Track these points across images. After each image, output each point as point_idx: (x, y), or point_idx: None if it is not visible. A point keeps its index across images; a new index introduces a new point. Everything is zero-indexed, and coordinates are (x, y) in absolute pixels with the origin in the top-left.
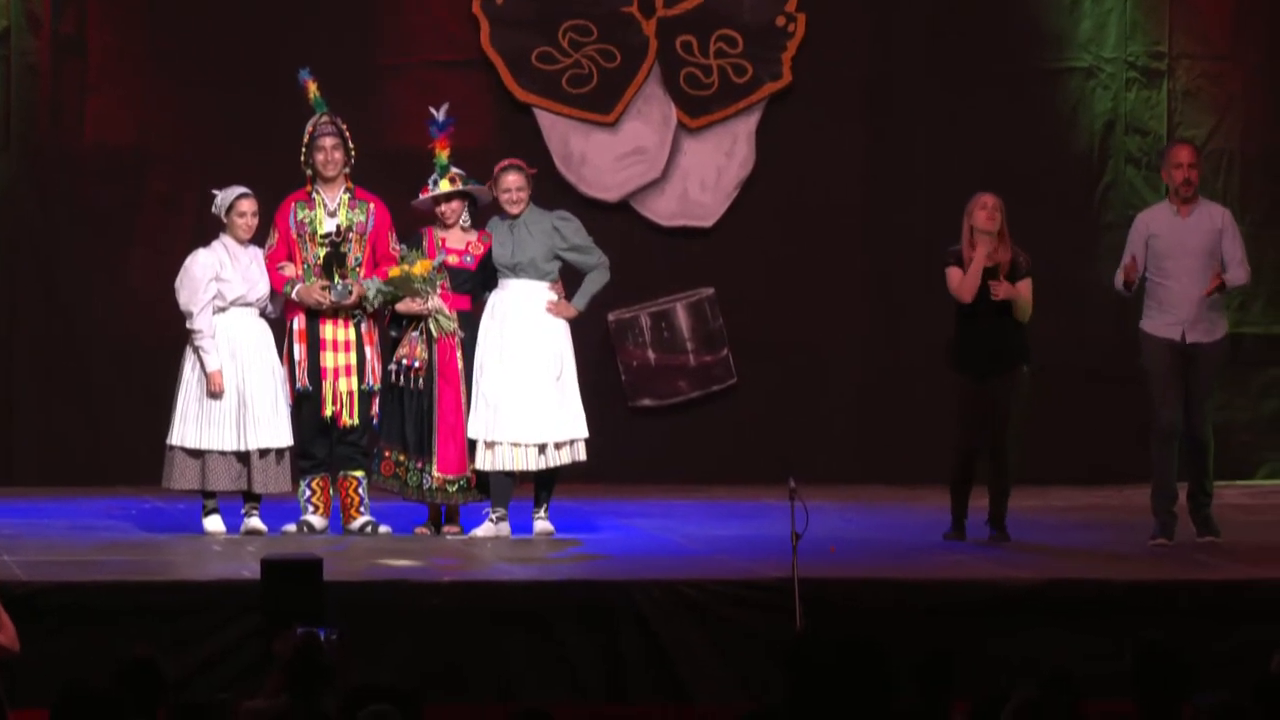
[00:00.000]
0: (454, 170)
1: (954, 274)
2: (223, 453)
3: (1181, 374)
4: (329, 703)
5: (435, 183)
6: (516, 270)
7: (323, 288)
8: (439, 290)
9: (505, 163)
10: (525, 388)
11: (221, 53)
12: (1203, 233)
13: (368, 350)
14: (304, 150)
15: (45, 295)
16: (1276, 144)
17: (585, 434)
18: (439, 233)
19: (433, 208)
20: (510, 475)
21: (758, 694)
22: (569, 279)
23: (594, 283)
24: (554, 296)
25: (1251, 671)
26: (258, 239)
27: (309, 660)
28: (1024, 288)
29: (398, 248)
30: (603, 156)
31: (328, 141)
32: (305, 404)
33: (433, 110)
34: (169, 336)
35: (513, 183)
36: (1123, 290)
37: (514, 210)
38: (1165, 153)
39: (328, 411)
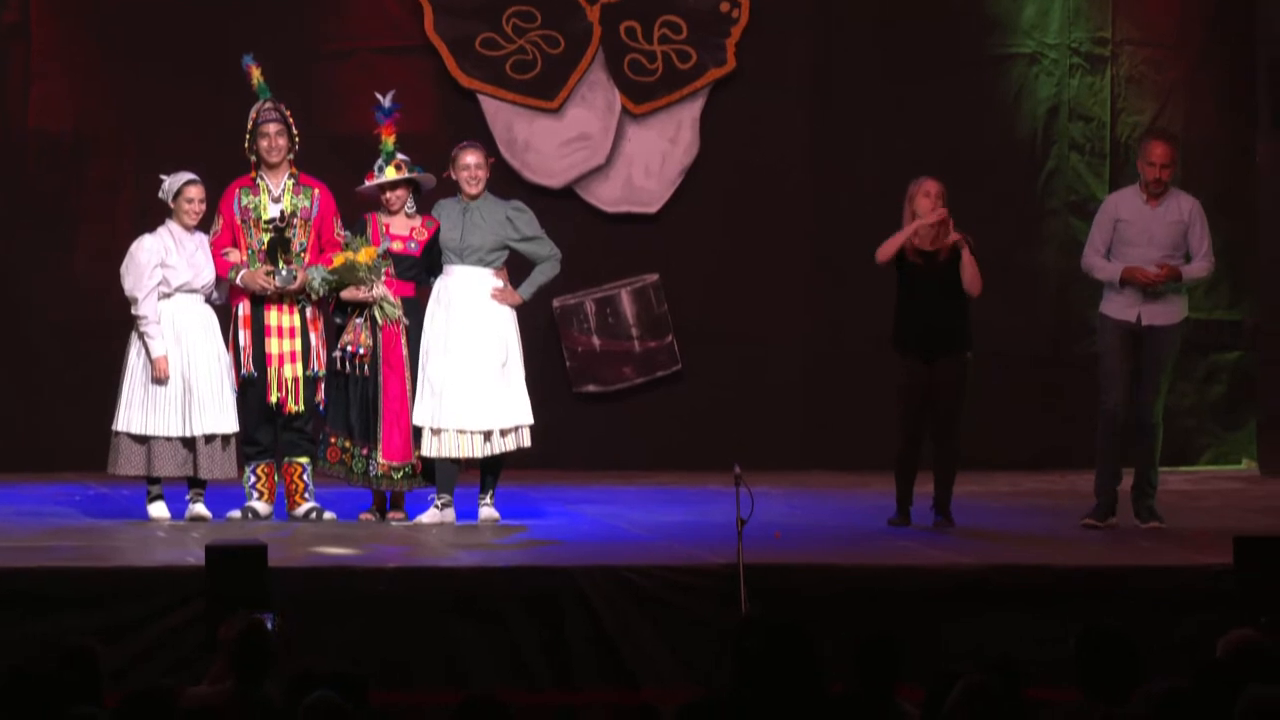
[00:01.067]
0: (399, 157)
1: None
2: (168, 438)
3: (1134, 356)
4: (272, 688)
5: (381, 169)
6: (463, 255)
7: (267, 273)
8: (384, 277)
9: (465, 143)
10: (471, 374)
11: (166, 39)
12: (1169, 224)
13: (313, 336)
14: (248, 136)
15: None
16: (1218, 130)
17: (531, 420)
18: (383, 219)
19: (378, 194)
20: (456, 462)
21: (703, 680)
22: (516, 266)
23: (543, 274)
24: (499, 283)
25: (1196, 657)
26: (202, 225)
27: (253, 645)
28: (970, 264)
29: (342, 233)
30: (547, 143)
31: (271, 128)
32: (250, 390)
33: (378, 96)
34: (113, 322)
35: (472, 160)
36: (1102, 262)
37: (471, 190)
38: (1141, 142)
39: (273, 398)
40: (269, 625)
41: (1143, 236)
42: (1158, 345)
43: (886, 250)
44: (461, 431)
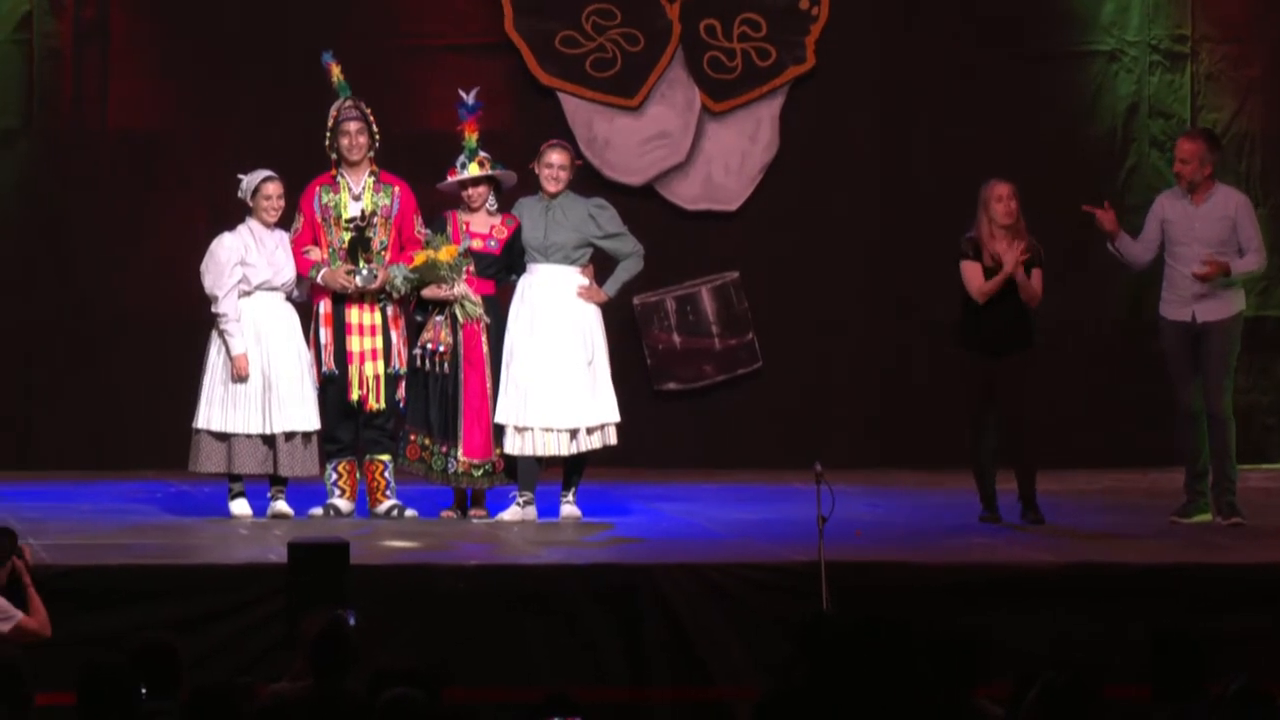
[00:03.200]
0: (481, 154)
1: (971, 271)
2: (248, 436)
3: (1195, 355)
4: (352, 684)
5: (463, 166)
6: (548, 253)
7: (348, 272)
8: (464, 276)
9: (555, 141)
10: (557, 373)
11: (244, 36)
12: (1213, 220)
13: (393, 334)
14: (328, 134)
15: (67, 279)
16: None
17: (617, 418)
18: (463, 216)
19: (458, 190)
20: (538, 459)
21: (781, 679)
22: (601, 264)
23: (627, 270)
24: (585, 281)
25: (1275, 655)
26: (283, 223)
27: (333, 642)
28: (1036, 277)
29: (423, 231)
30: (627, 141)
31: (352, 126)
32: (331, 388)
33: (462, 93)
34: (193, 319)
35: (556, 159)
36: (1131, 249)
37: (550, 188)
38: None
39: (354, 395)
40: (350, 622)
41: (1189, 234)
42: (1214, 341)
43: (985, 293)
44: (548, 429)
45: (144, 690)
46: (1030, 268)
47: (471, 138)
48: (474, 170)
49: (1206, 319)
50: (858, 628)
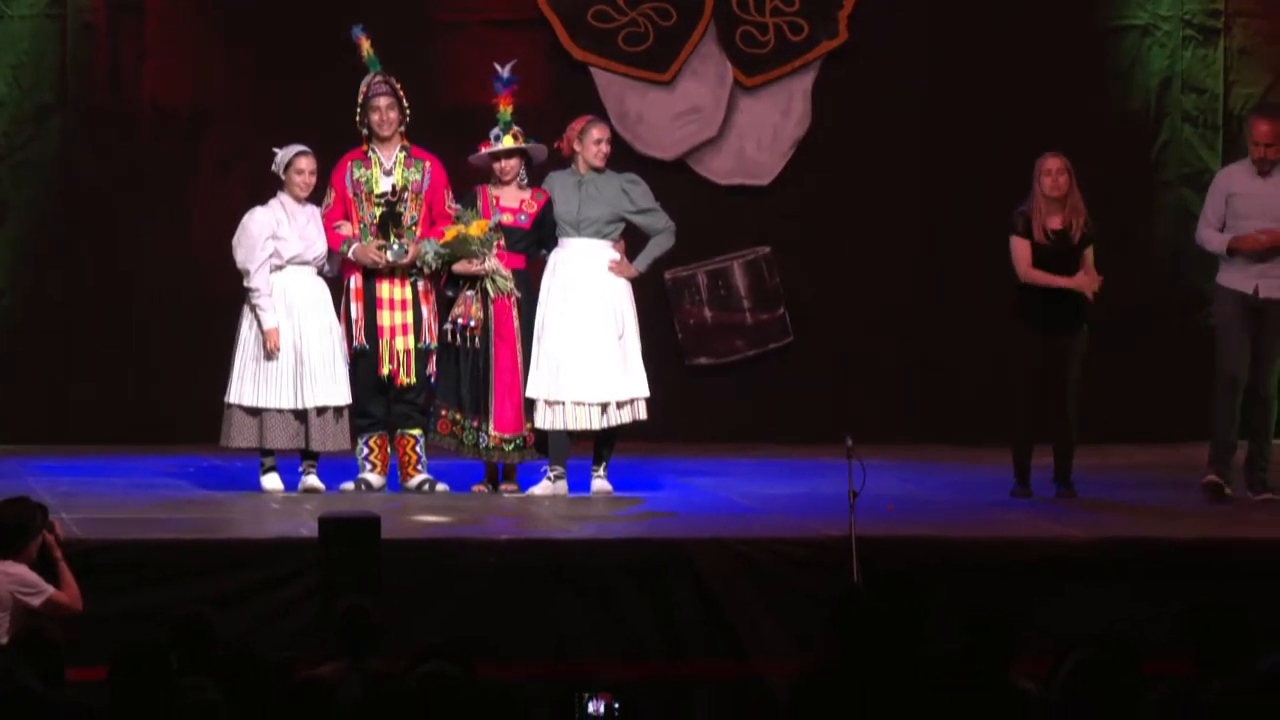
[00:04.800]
0: (515, 127)
1: (1019, 248)
2: (280, 410)
3: (1251, 328)
4: (384, 664)
5: (498, 138)
6: (580, 228)
7: (379, 247)
8: (495, 250)
9: (592, 117)
10: (588, 347)
11: (277, 11)
12: None
13: (424, 309)
14: (359, 110)
15: (102, 254)
16: None
17: (647, 393)
18: (493, 190)
19: (489, 163)
20: (569, 434)
21: (813, 653)
22: (632, 239)
23: (658, 246)
24: (616, 256)
25: None
26: (315, 197)
27: (357, 625)
28: (1087, 256)
29: (453, 206)
30: (659, 115)
31: (382, 101)
32: (362, 362)
33: (497, 66)
34: (226, 294)
35: (603, 134)
36: (1214, 235)
37: (599, 164)
38: (1249, 119)
39: (384, 370)
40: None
41: (1257, 209)
42: (1275, 318)
43: (1033, 278)
44: (579, 404)
45: (177, 664)
46: (1083, 246)
47: (506, 111)
48: (509, 142)
49: (1270, 295)
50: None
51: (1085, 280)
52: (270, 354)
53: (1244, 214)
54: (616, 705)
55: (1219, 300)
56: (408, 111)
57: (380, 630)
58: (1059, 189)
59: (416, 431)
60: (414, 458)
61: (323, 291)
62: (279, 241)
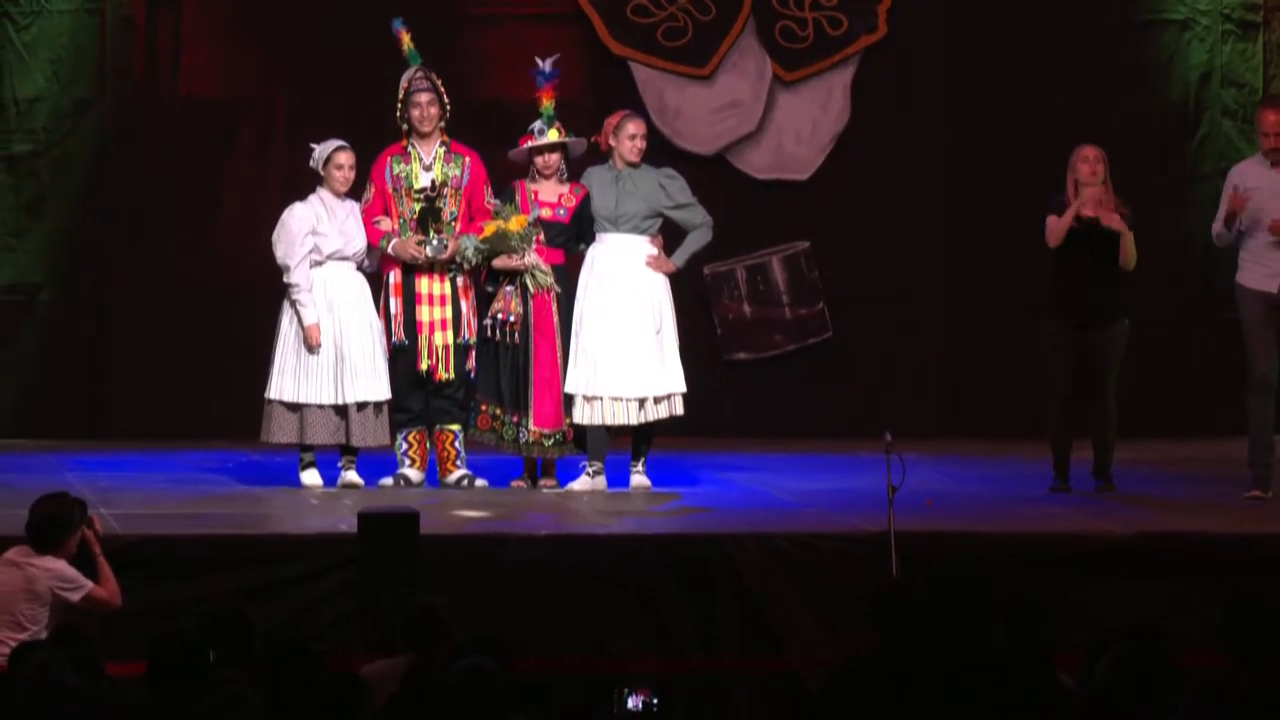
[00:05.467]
0: (558, 121)
1: (1051, 223)
2: (320, 406)
3: (1276, 326)
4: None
5: (541, 131)
6: (618, 223)
7: (418, 243)
8: (534, 245)
9: (628, 111)
10: (626, 342)
11: (314, 4)
12: None
13: (463, 304)
14: (399, 105)
15: (140, 248)
16: None
17: (684, 388)
18: (531, 185)
19: (528, 158)
20: (608, 429)
21: (853, 648)
22: (669, 234)
23: (696, 241)
24: (654, 251)
25: None
26: (354, 193)
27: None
28: (1128, 241)
29: (492, 202)
30: (698, 110)
31: (423, 97)
32: (401, 358)
33: (539, 60)
34: (265, 289)
35: (639, 129)
36: (1223, 230)
37: (634, 158)
38: (1257, 112)
39: (424, 365)
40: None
41: (1272, 202)
42: None
43: (1057, 231)
44: (616, 399)
45: (215, 658)
46: (1119, 235)
47: (550, 105)
48: (553, 135)
49: None
50: (930, 594)
51: (1085, 205)
52: (311, 349)
53: (1260, 207)
54: (655, 701)
55: (1241, 300)
56: (448, 107)
57: (449, 628)
58: (1095, 176)
59: (456, 427)
60: (453, 453)
61: (363, 287)
62: (319, 237)
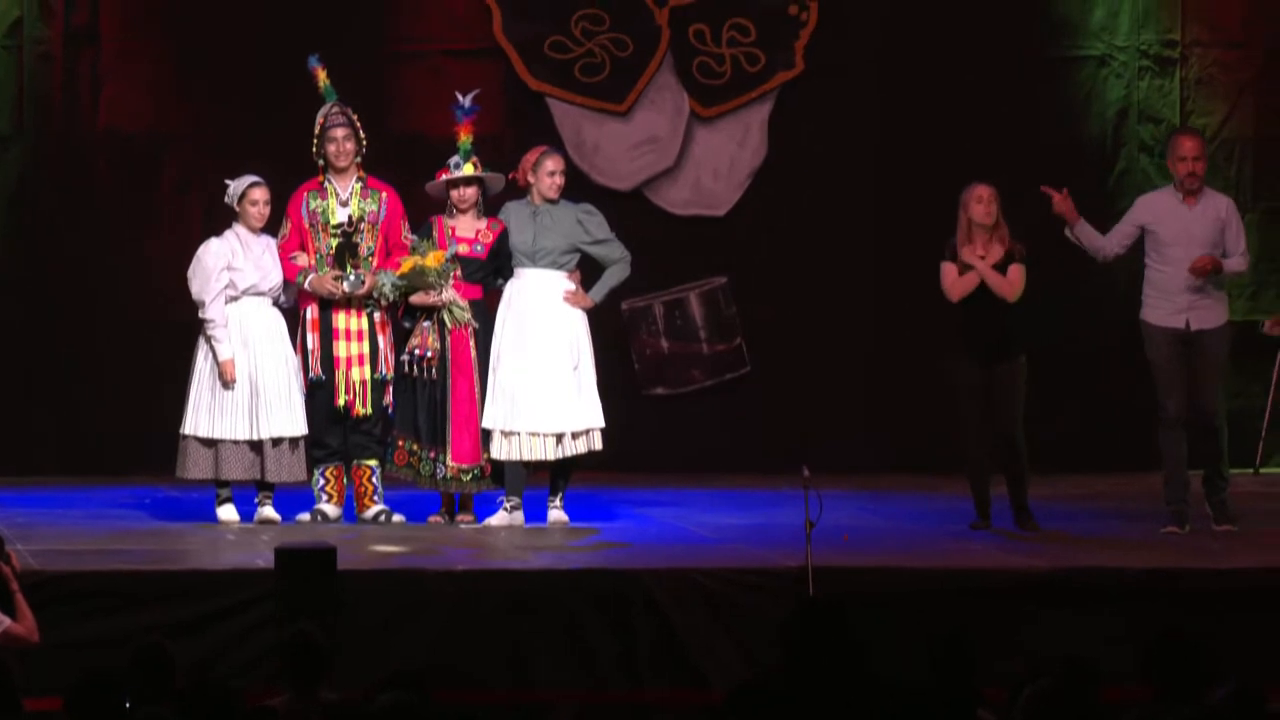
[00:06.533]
0: (474, 156)
1: (949, 271)
2: (235, 442)
3: (1186, 362)
4: (333, 693)
5: (458, 165)
6: (535, 258)
7: (335, 278)
8: (452, 281)
9: (547, 148)
10: (543, 378)
11: (233, 40)
12: (1207, 221)
13: (380, 340)
14: (315, 140)
15: (60, 283)
16: None
17: (602, 424)
18: (448, 221)
19: (445, 192)
20: (525, 464)
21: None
22: (587, 270)
23: (614, 276)
24: (572, 286)
25: (1268, 658)
26: (270, 228)
27: (301, 653)
28: (1013, 272)
29: (410, 237)
30: (615, 146)
31: (339, 133)
32: (319, 393)
33: (459, 95)
34: (184, 324)
35: (557, 165)
36: (1102, 245)
37: (553, 195)
38: (1169, 141)
39: (341, 401)
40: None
41: (1182, 236)
42: (1209, 349)
43: (959, 290)
44: (534, 434)
45: (137, 695)
46: (1007, 264)
47: (467, 139)
48: (469, 170)
49: (1201, 326)
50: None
51: (999, 279)
52: (226, 385)
53: (1170, 241)
54: None
55: (1149, 338)
56: (364, 142)
57: (328, 655)
58: (990, 217)
59: (373, 462)
60: (370, 488)
61: (279, 322)
62: (234, 272)
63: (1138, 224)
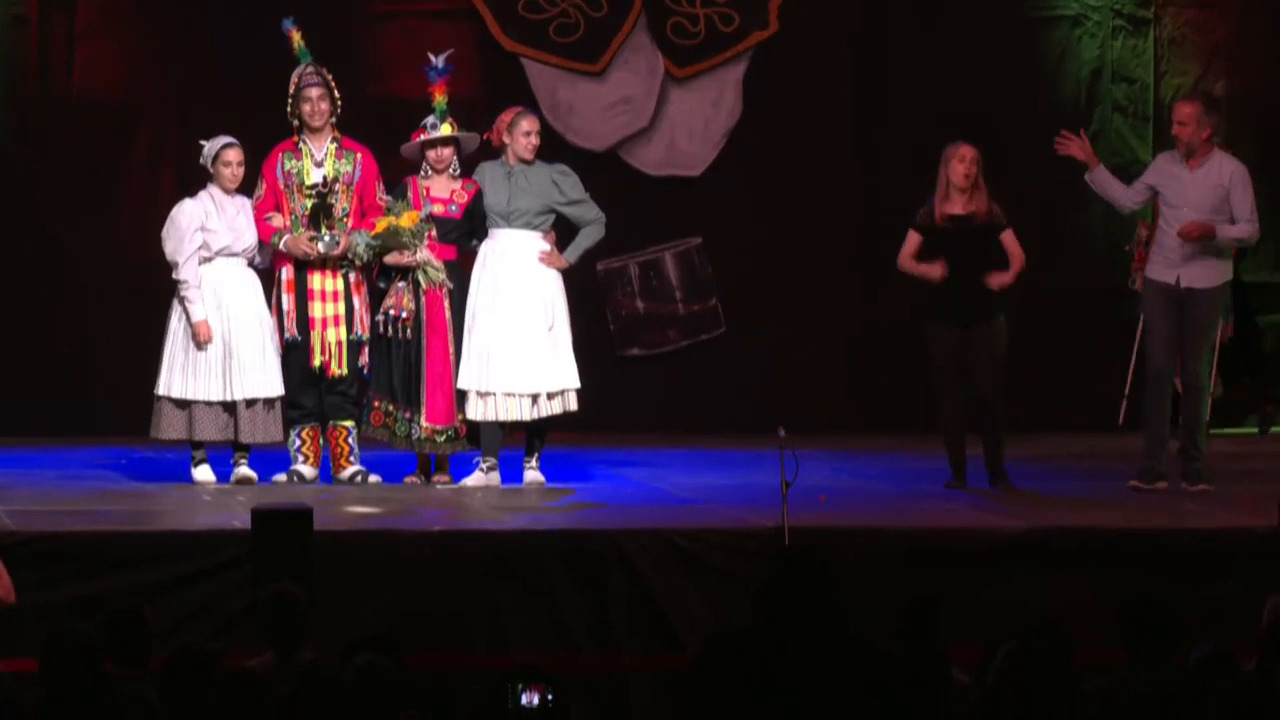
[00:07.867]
0: (450, 116)
1: (911, 240)
2: (209, 403)
3: (1175, 319)
4: (316, 654)
5: (433, 127)
6: (510, 219)
7: (310, 239)
8: (426, 241)
9: (522, 109)
10: (518, 338)
11: (208, 2)
12: (1207, 186)
13: (356, 300)
14: (290, 101)
15: (34, 246)
16: (1262, 91)
17: (577, 384)
18: (423, 182)
19: (420, 153)
20: (501, 425)
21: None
22: (562, 230)
23: (588, 237)
24: (546, 247)
25: (1242, 620)
26: (245, 189)
27: (282, 614)
28: (1009, 241)
29: (384, 198)
30: (590, 106)
31: (314, 92)
32: (294, 354)
33: (431, 56)
34: (157, 285)
35: (532, 126)
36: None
37: (528, 155)
38: (1172, 108)
39: (316, 361)
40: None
41: (1181, 198)
42: (1198, 308)
43: (908, 267)
44: (509, 395)
45: (112, 656)
46: (999, 232)
47: (442, 99)
48: (446, 129)
49: (1192, 285)
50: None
51: (931, 269)
52: (199, 346)
53: (1170, 202)
54: (550, 697)
55: (1144, 291)
56: (339, 103)
57: (307, 618)
58: (966, 179)
59: (349, 423)
60: (346, 449)
61: (254, 283)
62: (208, 233)
63: (1148, 183)
